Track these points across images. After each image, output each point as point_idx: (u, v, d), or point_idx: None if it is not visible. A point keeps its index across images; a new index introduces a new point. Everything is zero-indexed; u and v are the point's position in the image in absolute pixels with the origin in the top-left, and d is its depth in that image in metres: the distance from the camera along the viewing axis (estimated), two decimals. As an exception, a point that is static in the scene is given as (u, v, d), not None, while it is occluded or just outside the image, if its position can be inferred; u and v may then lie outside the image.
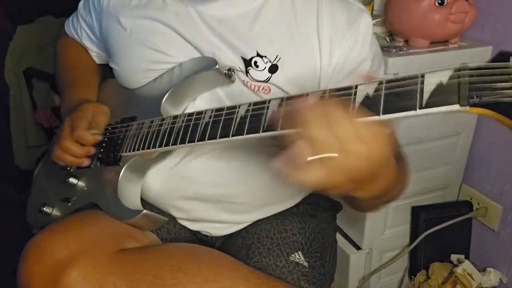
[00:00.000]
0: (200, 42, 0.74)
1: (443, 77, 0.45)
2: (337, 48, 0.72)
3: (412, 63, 1.11)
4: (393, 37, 1.23)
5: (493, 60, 0.43)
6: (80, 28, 0.93)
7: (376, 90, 0.49)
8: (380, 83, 0.49)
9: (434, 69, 0.46)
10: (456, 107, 0.43)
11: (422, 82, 0.46)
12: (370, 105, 0.48)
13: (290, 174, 0.46)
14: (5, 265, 0.96)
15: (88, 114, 0.79)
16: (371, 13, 1.27)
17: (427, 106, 0.45)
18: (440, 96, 0.44)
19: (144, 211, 0.72)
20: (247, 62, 0.72)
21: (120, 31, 0.80)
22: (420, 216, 1.32)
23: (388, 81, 0.48)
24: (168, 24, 0.75)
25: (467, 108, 0.43)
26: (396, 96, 0.47)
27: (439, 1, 1.09)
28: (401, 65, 1.09)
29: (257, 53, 0.72)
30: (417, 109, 0.45)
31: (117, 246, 0.68)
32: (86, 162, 0.79)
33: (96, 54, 0.96)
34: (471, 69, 0.44)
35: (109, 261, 0.65)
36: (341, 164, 0.46)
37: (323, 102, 0.47)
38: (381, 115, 0.47)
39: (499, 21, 1.19)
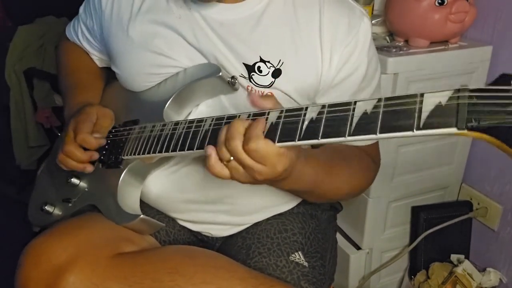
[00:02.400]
0: (203, 45, 0.74)
1: (442, 98, 0.44)
2: (336, 52, 0.73)
3: (412, 63, 1.11)
4: (393, 37, 1.23)
5: (494, 82, 0.42)
6: (80, 32, 0.93)
7: (375, 107, 0.48)
8: (379, 100, 0.48)
9: (434, 90, 0.45)
10: (453, 130, 0.42)
11: (421, 102, 0.45)
12: (367, 122, 0.48)
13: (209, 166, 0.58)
14: (5, 265, 0.96)
15: (92, 117, 0.78)
16: (371, 13, 1.27)
17: (424, 128, 0.44)
18: (438, 117, 0.44)
19: (141, 216, 0.72)
20: (250, 68, 0.72)
21: (123, 36, 0.80)
22: (420, 216, 1.32)
23: (387, 99, 0.48)
24: (171, 27, 0.75)
25: (465, 131, 0.42)
26: (394, 114, 0.46)
27: (439, 1, 1.09)
28: (401, 65, 1.09)
29: (260, 58, 0.72)
30: (414, 130, 0.44)
31: (114, 250, 0.68)
32: (89, 168, 0.77)
33: (97, 58, 0.95)
34: (471, 91, 0.43)
35: (107, 265, 0.65)
36: (239, 170, 0.57)
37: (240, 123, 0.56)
38: (378, 134, 0.47)
39: (499, 21, 1.19)
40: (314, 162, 0.66)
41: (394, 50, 1.12)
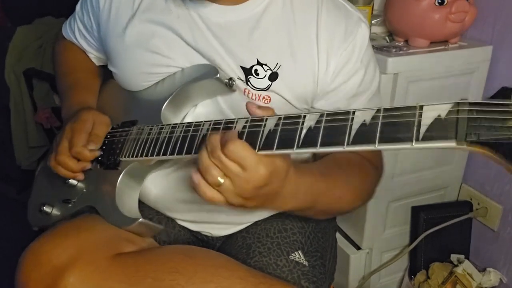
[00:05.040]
0: (201, 45, 0.74)
1: (442, 111, 0.44)
2: (333, 57, 0.72)
3: (412, 63, 1.11)
4: (393, 37, 1.24)
5: (494, 96, 0.42)
6: (77, 30, 0.93)
7: (374, 118, 0.48)
8: (378, 111, 0.48)
9: (433, 103, 0.45)
10: (453, 144, 0.42)
11: (420, 115, 0.45)
12: (366, 132, 0.48)
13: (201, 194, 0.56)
14: (5, 265, 0.96)
15: (88, 126, 0.77)
16: (371, 13, 1.27)
17: (423, 140, 0.44)
18: (437, 131, 0.43)
19: (140, 219, 0.71)
20: (247, 71, 0.72)
21: (120, 35, 0.79)
22: (420, 216, 1.32)
23: (386, 110, 0.48)
24: (170, 26, 0.75)
25: (465, 146, 0.42)
26: (393, 126, 0.46)
27: (439, 1, 1.09)
28: (401, 65, 1.09)
29: (258, 61, 0.72)
30: (413, 143, 0.44)
31: (114, 250, 0.68)
32: (80, 177, 0.78)
33: (94, 56, 0.95)
34: (470, 104, 0.42)
35: (107, 265, 0.65)
36: (229, 188, 0.55)
37: (215, 136, 0.55)
38: (376, 145, 0.47)
39: (499, 21, 1.19)
40: (310, 175, 0.65)
41: (394, 50, 1.12)
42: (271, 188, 0.56)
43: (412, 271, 1.39)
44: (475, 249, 1.39)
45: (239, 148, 0.53)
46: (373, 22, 1.27)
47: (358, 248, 1.34)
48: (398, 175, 1.25)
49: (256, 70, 0.72)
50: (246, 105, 0.58)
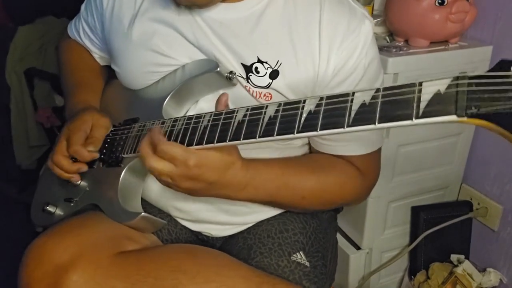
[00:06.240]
0: (202, 43, 0.74)
1: (441, 86, 0.44)
2: (334, 55, 0.72)
3: (412, 63, 1.11)
4: (393, 37, 1.23)
5: (493, 69, 0.42)
6: (82, 30, 0.93)
7: (373, 97, 0.48)
8: (377, 90, 0.48)
9: (432, 78, 0.45)
10: (453, 117, 0.42)
11: (420, 91, 0.45)
12: (366, 112, 0.48)
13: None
14: (6, 265, 0.96)
15: (86, 126, 0.78)
16: (371, 13, 1.27)
17: (423, 116, 0.44)
18: (437, 105, 0.43)
19: (142, 213, 0.72)
20: (248, 68, 0.72)
21: (123, 34, 0.80)
22: (420, 216, 1.32)
23: (385, 89, 0.48)
24: (171, 25, 0.75)
25: (465, 118, 0.42)
26: (393, 104, 0.46)
27: (439, 1, 1.09)
28: (401, 65, 1.09)
29: (258, 58, 0.72)
30: (413, 119, 0.44)
31: (117, 248, 0.68)
32: (75, 178, 0.79)
33: (98, 56, 0.95)
34: (470, 78, 0.42)
35: (109, 264, 0.65)
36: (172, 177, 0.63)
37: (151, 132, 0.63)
38: (376, 124, 0.47)
39: (499, 21, 1.19)
40: (267, 171, 0.70)
41: (394, 50, 1.12)
42: (205, 178, 0.63)
43: (412, 271, 1.39)
44: (475, 249, 1.39)
45: (168, 147, 0.60)
46: (373, 22, 1.27)
47: (358, 248, 1.34)
48: (398, 175, 1.25)
49: (256, 68, 0.72)
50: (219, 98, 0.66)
